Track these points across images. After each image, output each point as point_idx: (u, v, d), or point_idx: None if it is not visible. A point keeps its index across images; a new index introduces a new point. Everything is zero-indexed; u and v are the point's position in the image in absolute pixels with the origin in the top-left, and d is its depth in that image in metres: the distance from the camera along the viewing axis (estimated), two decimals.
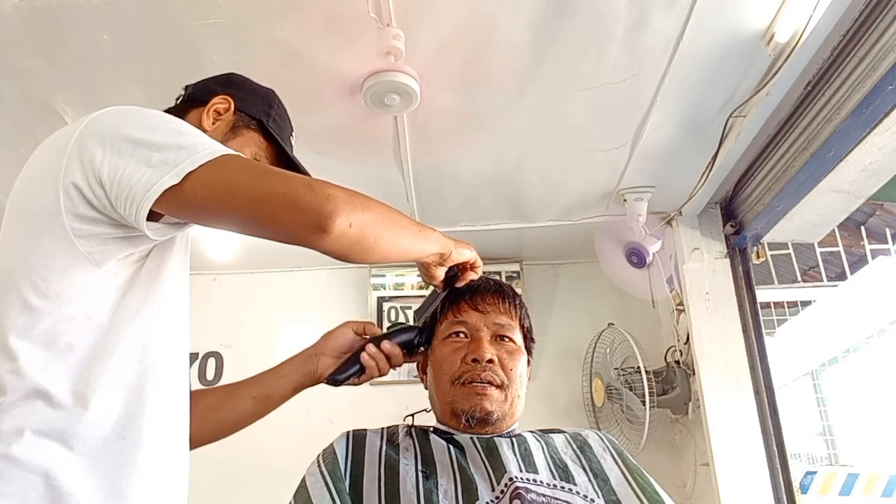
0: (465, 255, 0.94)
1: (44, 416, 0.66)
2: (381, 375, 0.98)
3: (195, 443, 0.86)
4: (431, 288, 1.02)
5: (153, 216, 0.70)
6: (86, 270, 0.71)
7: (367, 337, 1.01)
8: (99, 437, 0.68)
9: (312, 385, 1.01)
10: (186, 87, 1.01)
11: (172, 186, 0.67)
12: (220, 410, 0.98)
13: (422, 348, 1.01)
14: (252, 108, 0.99)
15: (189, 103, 0.97)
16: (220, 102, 0.96)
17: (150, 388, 0.73)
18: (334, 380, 0.96)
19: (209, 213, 0.72)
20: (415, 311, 1.06)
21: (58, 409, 0.67)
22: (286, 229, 0.70)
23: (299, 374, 1.00)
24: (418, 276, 1.17)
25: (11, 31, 1.35)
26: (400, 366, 1.00)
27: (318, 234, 0.69)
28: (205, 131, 0.86)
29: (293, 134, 1.08)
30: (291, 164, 0.99)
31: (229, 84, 1.01)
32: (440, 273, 0.95)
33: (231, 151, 0.73)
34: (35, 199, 0.73)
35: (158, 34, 1.38)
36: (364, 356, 0.96)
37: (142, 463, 0.70)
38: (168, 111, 0.86)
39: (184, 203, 0.70)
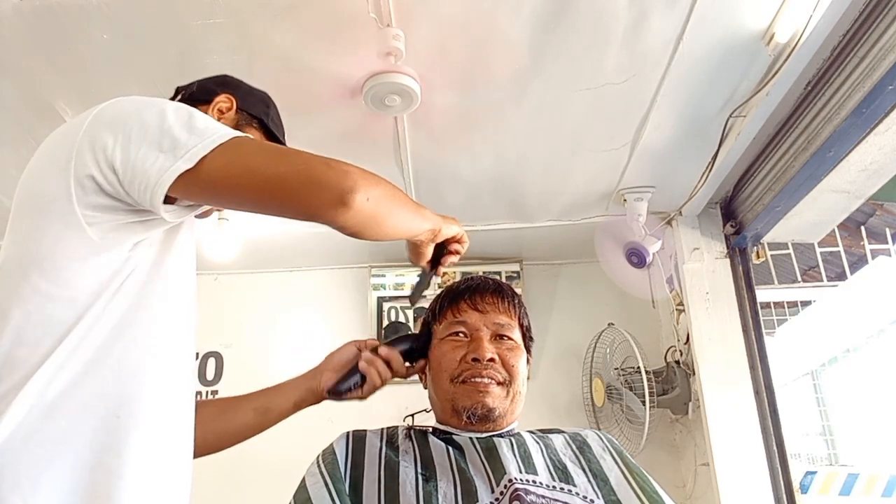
0: (453, 229, 0.96)
1: (45, 395, 0.66)
2: (382, 384, 0.99)
3: (194, 453, 0.86)
4: (420, 272, 1.03)
5: (168, 199, 0.70)
6: (96, 256, 0.71)
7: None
8: (94, 415, 0.68)
9: (316, 402, 1.01)
10: (178, 90, 1.02)
11: (187, 170, 0.68)
12: (220, 421, 0.98)
13: (421, 356, 1.02)
14: (252, 107, 1.02)
15: (191, 102, 0.97)
16: (223, 101, 0.99)
17: (149, 372, 0.73)
18: (336, 392, 0.97)
19: (227, 194, 0.73)
20: (408, 297, 1.07)
21: (57, 388, 0.67)
22: (306, 205, 0.71)
23: (302, 390, 1.01)
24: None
25: (11, 31, 1.35)
26: (402, 374, 1.01)
27: (338, 209, 0.70)
28: None
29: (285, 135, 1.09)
30: None
31: (227, 84, 1.03)
32: (430, 251, 0.96)
33: (242, 134, 0.74)
34: (45, 189, 0.73)
35: (158, 34, 1.38)
36: (362, 363, 0.98)
37: (136, 443, 0.70)
38: None
39: (202, 185, 0.70)
